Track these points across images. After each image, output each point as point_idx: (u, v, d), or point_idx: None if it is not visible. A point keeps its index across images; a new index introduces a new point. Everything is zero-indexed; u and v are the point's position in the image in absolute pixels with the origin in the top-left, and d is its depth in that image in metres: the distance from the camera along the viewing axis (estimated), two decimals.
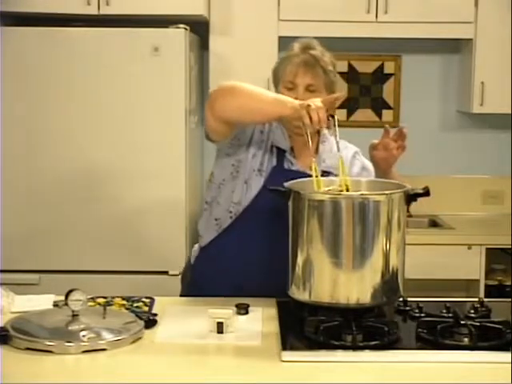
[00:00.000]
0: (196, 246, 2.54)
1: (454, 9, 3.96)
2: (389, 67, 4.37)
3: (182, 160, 3.62)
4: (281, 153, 2.41)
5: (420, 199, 2.06)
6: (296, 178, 2.15)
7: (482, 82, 4.02)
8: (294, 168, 2.41)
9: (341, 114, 4.37)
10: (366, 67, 4.37)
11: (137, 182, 3.62)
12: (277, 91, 2.42)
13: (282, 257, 2.21)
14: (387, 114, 4.38)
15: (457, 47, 4.32)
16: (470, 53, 4.09)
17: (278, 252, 2.30)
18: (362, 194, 2.03)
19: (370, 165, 2.48)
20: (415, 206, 2.11)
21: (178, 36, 3.56)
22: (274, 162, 2.40)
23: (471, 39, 4.04)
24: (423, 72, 4.38)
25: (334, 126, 2.17)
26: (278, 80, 2.42)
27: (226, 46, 3.92)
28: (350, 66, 4.37)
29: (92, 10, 3.63)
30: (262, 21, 3.91)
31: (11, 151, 3.59)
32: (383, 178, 2.38)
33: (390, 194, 2.00)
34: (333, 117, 2.16)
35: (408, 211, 2.06)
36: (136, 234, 3.63)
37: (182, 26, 3.58)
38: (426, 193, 2.06)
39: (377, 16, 3.94)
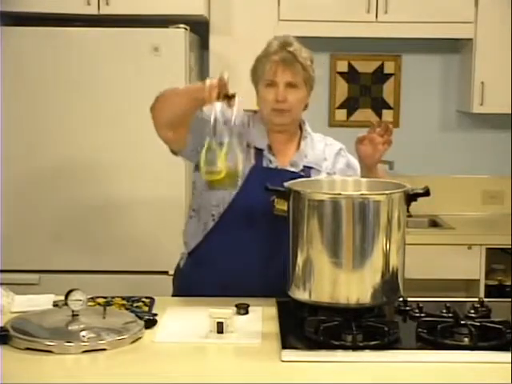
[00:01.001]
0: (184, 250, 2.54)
1: (454, 9, 3.96)
2: (389, 67, 4.37)
3: (182, 160, 3.61)
4: (259, 152, 2.40)
5: (420, 199, 2.06)
6: (276, 176, 2.17)
7: (482, 82, 4.02)
8: (273, 166, 2.41)
9: (341, 114, 4.37)
10: (366, 67, 4.37)
11: (137, 182, 3.62)
12: (257, 90, 2.44)
13: (269, 254, 2.23)
14: (387, 114, 4.38)
15: (457, 47, 4.32)
16: (470, 53, 4.09)
17: (264, 250, 2.32)
18: (362, 194, 2.03)
19: (355, 162, 2.48)
20: (415, 206, 2.11)
21: (178, 36, 3.56)
22: (253, 161, 2.38)
23: (471, 39, 4.04)
24: (423, 72, 4.38)
25: (234, 104, 2.17)
26: (258, 79, 2.42)
27: (226, 46, 3.91)
28: (350, 66, 4.36)
29: (92, 10, 3.62)
30: (262, 21, 3.90)
31: (11, 151, 3.59)
32: (369, 174, 2.38)
33: (390, 193, 2.00)
34: (233, 96, 2.16)
35: (408, 211, 2.06)
36: (136, 234, 3.63)
37: (182, 25, 3.58)
38: (426, 193, 2.06)
39: (377, 16, 3.94)
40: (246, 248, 2.36)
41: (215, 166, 2.10)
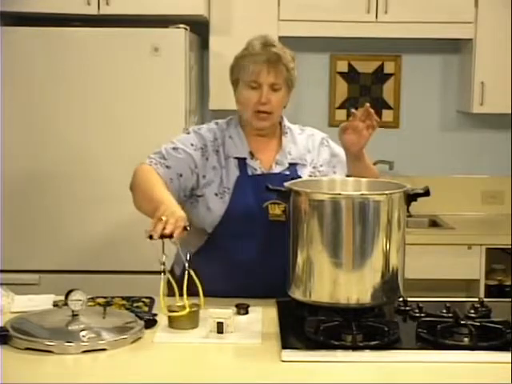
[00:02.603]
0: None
1: (454, 9, 3.96)
2: (389, 67, 4.37)
3: None
4: (241, 161, 2.38)
5: (420, 199, 2.06)
6: (263, 182, 2.16)
7: (482, 82, 4.02)
8: (258, 172, 2.38)
9: (341, 114, 4.37)
10: (366, 67, 4.37)
11: None
12: (235, 90, 2.40)
13: (268, 261, 2.26)
14: (387, 114, 4.38)
15: (457, 47, 4.32)
16: (470, 53, 4.09)
17: (264, 258, 2.31)
18: (362, 194, 2.03)
19: (340, 150, 2.43)
20: (415, 206, 2.11)
21: (178, 36, 3.57)
22: (237, 172, 2.36)
23: (471, 39, 4.04)
24: (423, 72, 4.38)
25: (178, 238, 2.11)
26: (238, 79, 2.38)
27: (226, 46, 3.90)
28: (350, 66, 4.36)
29: (92, 10, 3.63)
30: (262, 21, 3.90)
31: (11, 150, 3.59)
32: (355, 163, 2.35)
33: (390, 193, 2.00)
34: (186, 228, 2.10)
35: (408, 211, 2.06)
36: (136, 234, 3.61)
37: (182, 26, 3.58)
38: (426, 193, 2.06)
39: (377, 16, 3.95)
40: (243, 259, 2.33)
41: (178, 302, 2.05)
